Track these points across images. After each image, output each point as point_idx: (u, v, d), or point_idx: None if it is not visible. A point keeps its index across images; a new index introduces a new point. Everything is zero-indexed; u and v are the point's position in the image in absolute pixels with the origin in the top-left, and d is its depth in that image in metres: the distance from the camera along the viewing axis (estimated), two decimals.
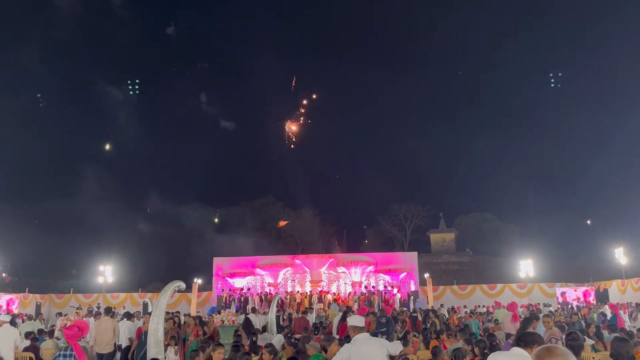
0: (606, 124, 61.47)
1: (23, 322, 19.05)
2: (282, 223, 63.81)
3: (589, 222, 60.11)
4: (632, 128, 54.30)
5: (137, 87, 75.11)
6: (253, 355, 9.17)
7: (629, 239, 33.56)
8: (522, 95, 70.63)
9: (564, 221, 54.05)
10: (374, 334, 14.08)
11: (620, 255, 30.49)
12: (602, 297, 28.40)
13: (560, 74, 67.69)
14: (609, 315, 17.98)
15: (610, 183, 54.51)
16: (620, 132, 55.83)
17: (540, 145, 66.06)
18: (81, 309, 25.74)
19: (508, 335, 13.81)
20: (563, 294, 29.50)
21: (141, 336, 11.03)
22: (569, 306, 27.55)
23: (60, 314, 24.88)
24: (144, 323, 11.83)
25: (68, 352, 8.26)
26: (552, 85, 66.88)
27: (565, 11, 67.76)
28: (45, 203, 57.98)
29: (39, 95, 69.84)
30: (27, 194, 61.02)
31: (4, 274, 47.85)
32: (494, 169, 69.21)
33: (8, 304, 27.79)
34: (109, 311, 13.40)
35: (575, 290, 30.40)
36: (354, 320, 6.75)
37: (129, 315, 15.38)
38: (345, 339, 7.91)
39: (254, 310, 18.90)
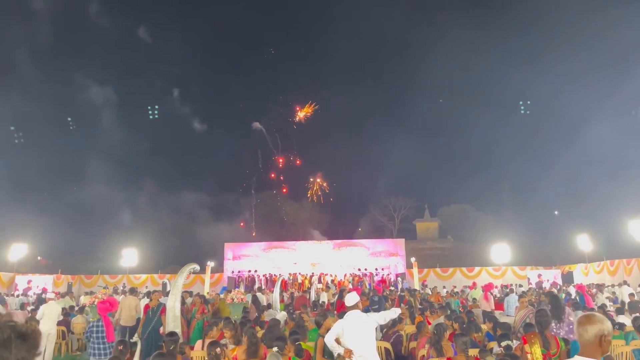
0: (572, 122, 61.26)
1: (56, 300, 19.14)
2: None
3: (556, 212, 60.25)
4: (596, 127, 54.20)
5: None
6: (258, 328, 9.23)
7: (591, 227, 33.60)
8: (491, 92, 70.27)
9: (535, 211, 54.15)
10: (366, 311, 14.18)
11: (583, 241, 30.60)
12: (567, 279, 28.50)
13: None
14: (573, 295, 18.09)
15: (575, 177, 54.51)
16: (586, 130, 55.66)
17: (514, 143, 66.06)
18: (107, 288, 25.83)
19: (485, 312, 13.90)
20: (539, 275, 29.51)
21: (148, 312, 10.70)
22: (541, 287, 27.64)
23: (86, 293, 25.03)
24: (150, 300, 11.24)
25: (100, 324, 8.32)
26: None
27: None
28: (75, 193, 58.03)
29: None
30: (59, 184, 60.82)
31: (39, 257, 47.91)
32: (473, 165, 69.29)
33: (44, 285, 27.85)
34: (133, 291, 13.85)
35: (542, 275, 30.47)
36: (353, 299, 6.72)
37: (149, 294, 15.54)
38: (341, 315, 7.94)
39: (260, 289, 18.92)
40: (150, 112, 62.63)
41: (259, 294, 18.18)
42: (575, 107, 59.43)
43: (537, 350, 5.32)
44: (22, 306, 16.07)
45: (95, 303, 14.50)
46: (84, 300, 20.49)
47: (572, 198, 53.83)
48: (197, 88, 78.77)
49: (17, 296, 23.10)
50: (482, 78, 72.88)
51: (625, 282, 20.35)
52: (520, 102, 62.57)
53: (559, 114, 62.75)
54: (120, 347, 6.17)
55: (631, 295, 15.17)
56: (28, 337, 1.26)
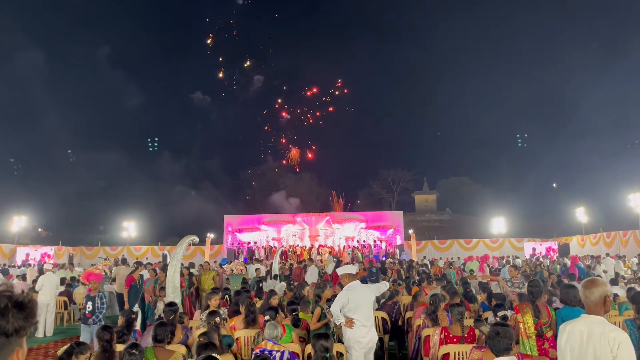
0: (570, 96, 60.88)
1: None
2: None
3: (554, 185, 60.41)
4: (593, 100, 53.87)
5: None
6: (257, 299, 9.33)
7: (588, 199, 33.80)
8: (497, 70, 69.62)
9: (532, 184, 54.33)
10: (364, 281, 14.33)
11: (580, 214, 30.77)
12: (564, 250, 28.76)
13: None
14: (569, 266, 18.22)
15: (574, 150, 54.52)
16: (584, 102, 55.33)
17: (513, 115, 65.76)
18: (108, 259, 26.03)
19: (480, 283, 14.05)
20: (533, 249, 29.76)
21: (134, 285, 10.55)
22: (535, 258, 27.88)
23: (92, 265, 25.34)
24: (134, 272, 11.03)
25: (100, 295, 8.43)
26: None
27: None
28: (75, 166, 58.02)
29: None
30: (60, 158, 60.79)
31: (39, 229, 48.20)
32: (471, 137, 69.09)
33: (42, 257, 28.03)
34: (124, 261, 14.78)
35: (541, 245, 30.71)
36: (346, 268, 6.77)
37: (139, 265, 16.01)
38: (339, 285, 8.01)
39: (259, 260, 19.01)
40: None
41: (258, 265, 18.28)
42: (573, 79, 59.05)
43: (529, 319, 5.40)
44: (23, 277, 16.24)
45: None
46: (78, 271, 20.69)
47: (570, 171, 53.98)
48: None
49: (19, 267, 23.29)
50: (482, 47, 72.21)
51: (619, 256, 20.57)
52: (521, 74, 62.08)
53: (557, 86, 62.32)
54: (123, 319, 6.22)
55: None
56: (25, 306, 1.29)
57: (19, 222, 30.40)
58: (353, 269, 6.89)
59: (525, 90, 64.21)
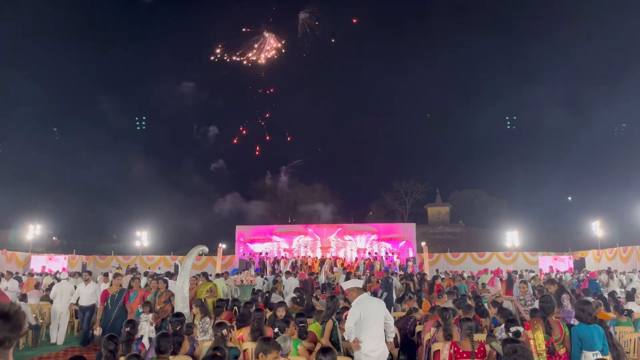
0: (586, 106, 60.36)
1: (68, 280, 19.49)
2: None
3: (569, 198, 59.63)
4: (610, 112, 53.29)
5: None
6: (267, 310, 9.29)
7: (605, 213, 33.27)
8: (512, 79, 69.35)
9: (547, 197, 53.65)
10: (376, 294, 14.21)
11: (596, 227, 30.31)
12: (579, 265, 28.30)
13: None
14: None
15: (589, 163, 53.89)
16: (600, 114, 54.76)
17: (527, 126, 65.27)
18: (121, 268, 26.22)
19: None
20: (550, 268, 29.27)
21: (107, 300, 9.43)
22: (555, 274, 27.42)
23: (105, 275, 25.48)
24: (111, 286, 9.84)
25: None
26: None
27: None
28: (89, 176, 58.57)
29: None
30: (74, 167, 61.50)
31: (54, 238, 48.70)
32: (486, 150, 68.64)
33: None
34: (134, 271, 14.16)
35: (556, 259, 30.24)
36: (352, 282, 6.58)
37: (169, 275, 15.96)
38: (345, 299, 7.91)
39: (288, 273, 18.06)
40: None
41: (283, 278, 17.21)
42: (589, 91, 58.54)
43: (540, 335, 5.28)
44: (37, 285, 16.38)
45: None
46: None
47: (586, 184, 53.27)
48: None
49: (34, 275, 23.51)
50: (497, 60, 72.01)
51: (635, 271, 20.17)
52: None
53: (572, 97, 61.81)
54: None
55: None
56: (10, 317, 1.26)
57: (34, 230, 30.78)
58: (359, 282, 6.77)
59: (540, 103, 63.83)
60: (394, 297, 14.13)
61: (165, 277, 11.68)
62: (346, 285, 6.59)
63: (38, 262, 27.93)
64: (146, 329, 7.97)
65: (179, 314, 6.53)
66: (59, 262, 28.94)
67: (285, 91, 77.04)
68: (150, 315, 8.42)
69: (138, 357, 4.15)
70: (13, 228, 37.35)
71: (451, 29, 73.52)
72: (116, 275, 10.70)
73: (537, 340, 5.25)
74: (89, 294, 11.41)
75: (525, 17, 70.26)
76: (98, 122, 63.05)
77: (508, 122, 61.04)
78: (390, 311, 12.90)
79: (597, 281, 16.63)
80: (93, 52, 69.96)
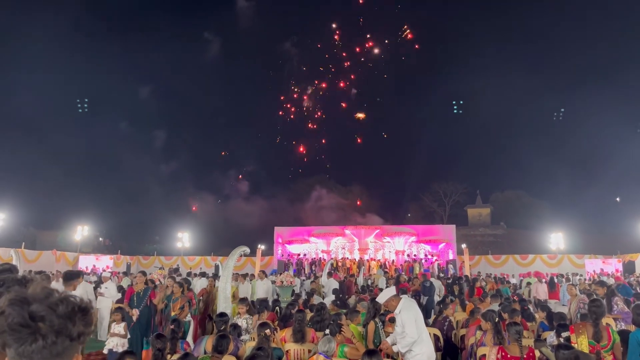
0: (635, 103, 57.79)
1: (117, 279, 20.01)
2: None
3: (618, 199, 57.30)
4: None
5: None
6: (307, 311, 9.29)
7: None
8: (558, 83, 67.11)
9: (594, 197, 51.67)
10: (417, 294, 14.04)
11: None
12: (629, 268, 27.16)
13: None
14: (634, 286, 17.17)
15: (638, 162, 51.59)
16: None
17: (572, 127, 63.05)
18: (163, 269, 26.81)
19: (538, 301, 13.44)
20: (601, 270, 28.21)
21: (132, 297, 8.83)
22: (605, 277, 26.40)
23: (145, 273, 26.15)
24: (136, 284, 9.23)
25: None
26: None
27: None
28: (136, 181, 60.36)
29: None
30: (121, 172, 63.51)
31: (101, 238, 50.40)
32: (528, 150, 66.72)
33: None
34: (176, 271, 14.23)
35: (604, 262, 29.08)
36: (385, 293, 6.20)
37: (203, 274, 16.24)
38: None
39: (329, 274, 17.86)
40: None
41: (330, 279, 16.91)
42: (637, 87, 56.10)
43: (584, 341, 5.03)
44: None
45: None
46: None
47: (636, 184, 51.04)
48: None
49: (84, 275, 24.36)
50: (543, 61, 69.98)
51: None
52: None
53: (620, 93, 59.36)
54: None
55: None
56: (87, 312, 1.30)
57: (82, 231, 31.95)
58: (392, 289, 6.47)
59: (587, 99, 61.65)
60: (435, 299, 13.93)
61: (180, 280, 11.09)
62: (382, 299, 6.22)
63: (86, 262, 28.92)
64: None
65: (223, 314, 6.60)
66: (104, 262, 29.89)
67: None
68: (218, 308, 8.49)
69: (188, 355, 4.19)
70: (62, 229, 38.90)
71: (483, 36, 72.08)
72: (142, 273, 10.07)
73: (580, 345, 5.02)
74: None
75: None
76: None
77: (555, 117, 58.70)
78: (430, 314, 12.76)
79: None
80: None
